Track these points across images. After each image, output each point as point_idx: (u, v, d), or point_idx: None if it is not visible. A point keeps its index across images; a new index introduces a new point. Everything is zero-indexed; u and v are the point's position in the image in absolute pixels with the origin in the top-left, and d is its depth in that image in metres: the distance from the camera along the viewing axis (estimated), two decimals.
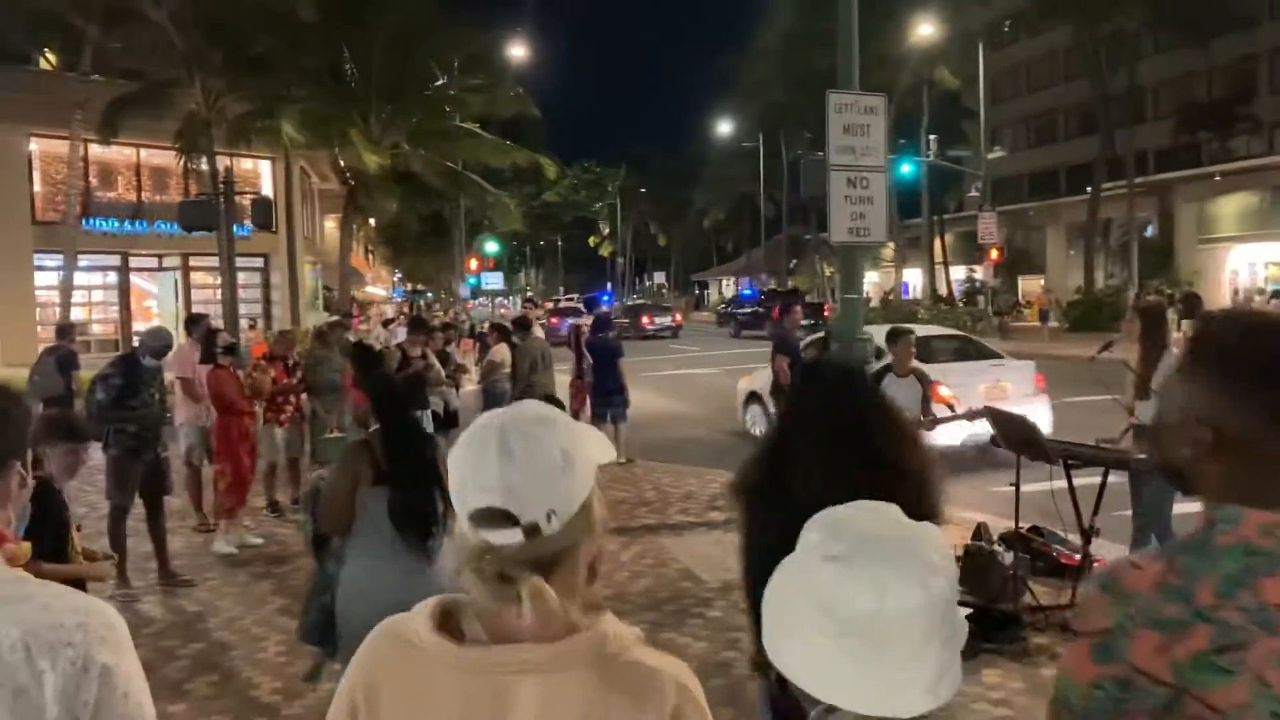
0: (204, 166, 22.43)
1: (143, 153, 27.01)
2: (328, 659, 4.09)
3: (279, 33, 21.90)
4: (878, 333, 9.20)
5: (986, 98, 36.55)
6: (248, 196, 21.11)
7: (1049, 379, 11.72)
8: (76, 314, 23.49)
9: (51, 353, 11.56)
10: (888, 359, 7.57)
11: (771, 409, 11.11)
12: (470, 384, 14.12)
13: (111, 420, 7.08)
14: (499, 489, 1.18)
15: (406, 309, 39.33)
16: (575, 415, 10.21)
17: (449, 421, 11.03)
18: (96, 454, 6.46)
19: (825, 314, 10.91)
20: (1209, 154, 41.52)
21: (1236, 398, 1.25)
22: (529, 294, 66.93)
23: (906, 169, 34.45)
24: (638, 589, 6.71)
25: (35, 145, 25.21)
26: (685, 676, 1.26)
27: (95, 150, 24.80)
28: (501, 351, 11.53)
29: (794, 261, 56.00)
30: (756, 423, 12.47)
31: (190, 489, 8.85)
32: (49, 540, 3.68)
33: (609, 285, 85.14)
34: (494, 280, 39.16)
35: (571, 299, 55.90)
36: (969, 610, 1.27)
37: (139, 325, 21.57)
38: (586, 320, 16.56)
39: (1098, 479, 5.85)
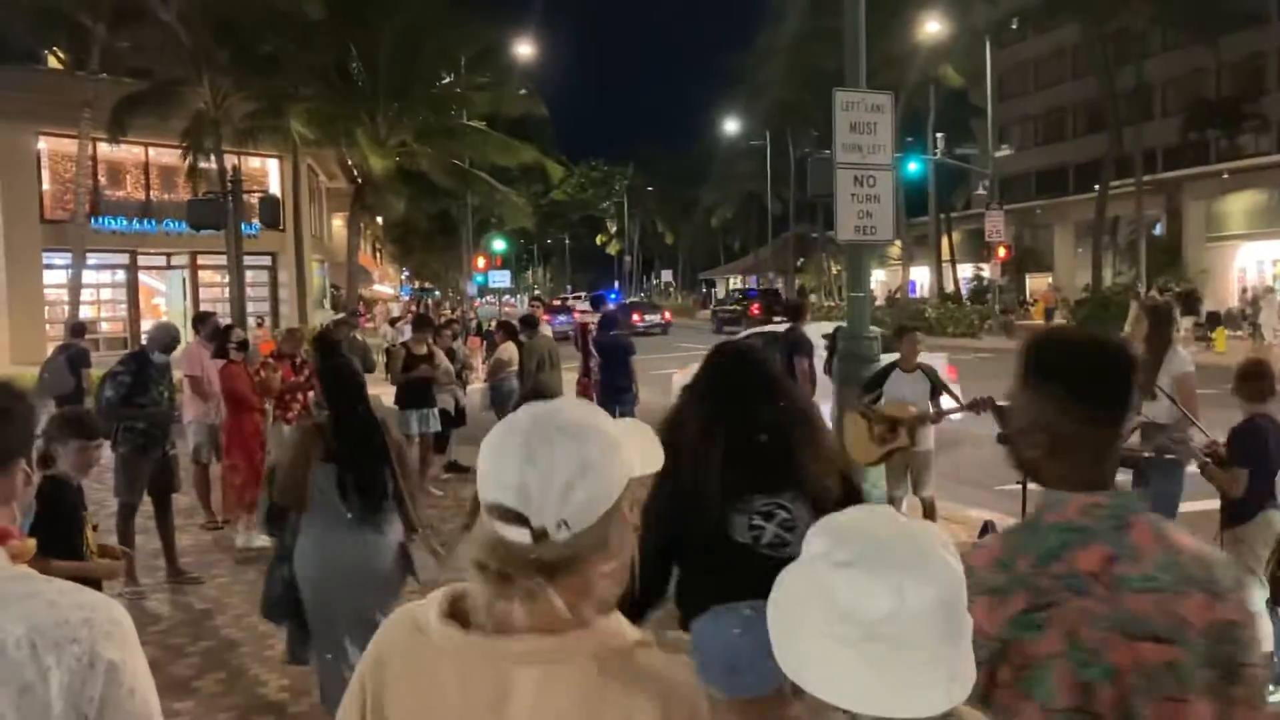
0: (212, 165, 22.52)
1: (151, 151, 27.08)
2: (299, 633, 4.36)
3: (287, 32, 21.99)
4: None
5: (994, 95, 36.45)
6: (255, 195, 21.18)
7: None
8: (85, 312, 23.54)
9: (63, 350, 11.56)
10: (895, 355, 7.57)
11: None
12: (477, 382, 14.13)
13: (120, 417, 7.11)
14: (515, 488, 1.19)
15: (414, 307, 39.36)
16: None
17: (458, 420, 11.05)
18: (105, 451, 6.47)
19: (804, 314, 10.61)
20: (1217, 152, 41.27)
21: (1060, 406, 1.56)
22: (536, 292, 66.97)
23: (913, 167, 34.27)
24: None
25: (44, 144, 25.22)
26: (685, 675, 1.26)
27: (104, 149, 24.87)
28: (509, 350, 11.50)
29: (801, 260, 55.87)
30: None
31: (198, 487, 8.87)
32: (60, 537, 3.68)
33: (616, 284, 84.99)
34: (501, 278, 39.03)
35: (579, 296, 55.84)
36: None
37: (147, 324, 21.59)
38: (593, 317, 16.50)
39: None
